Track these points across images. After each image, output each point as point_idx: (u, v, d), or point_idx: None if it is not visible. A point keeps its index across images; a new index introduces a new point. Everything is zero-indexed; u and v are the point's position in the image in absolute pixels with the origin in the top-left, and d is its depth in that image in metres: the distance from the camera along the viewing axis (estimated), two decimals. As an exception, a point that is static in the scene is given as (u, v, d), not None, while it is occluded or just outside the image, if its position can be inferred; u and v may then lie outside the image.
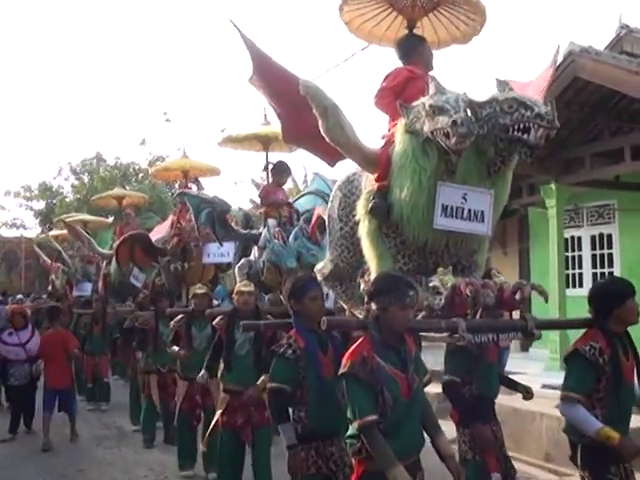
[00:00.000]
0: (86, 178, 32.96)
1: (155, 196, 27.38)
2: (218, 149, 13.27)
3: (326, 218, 5.49)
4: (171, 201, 29.21)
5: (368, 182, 4.92)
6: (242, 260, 9.32)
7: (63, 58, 61.53)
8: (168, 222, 12.81)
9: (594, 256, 13.76)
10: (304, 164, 11.25)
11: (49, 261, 20.78)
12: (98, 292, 14.29)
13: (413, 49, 5.18)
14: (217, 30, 61.92)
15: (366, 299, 4.12)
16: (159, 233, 12.53)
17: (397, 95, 4.86)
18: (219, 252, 10.49)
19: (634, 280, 4.69)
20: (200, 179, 12.67)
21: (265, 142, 10.09)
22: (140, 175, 31.56)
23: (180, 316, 8.39)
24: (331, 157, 5.24)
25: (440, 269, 4.46)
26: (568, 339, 10.58)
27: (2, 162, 60.57)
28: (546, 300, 4.53)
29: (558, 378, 9.78)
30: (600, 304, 4.49)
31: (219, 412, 6.87)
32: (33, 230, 33.50)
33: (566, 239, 13.18)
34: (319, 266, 5.68)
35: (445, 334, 4.26)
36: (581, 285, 13.71)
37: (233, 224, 10.24)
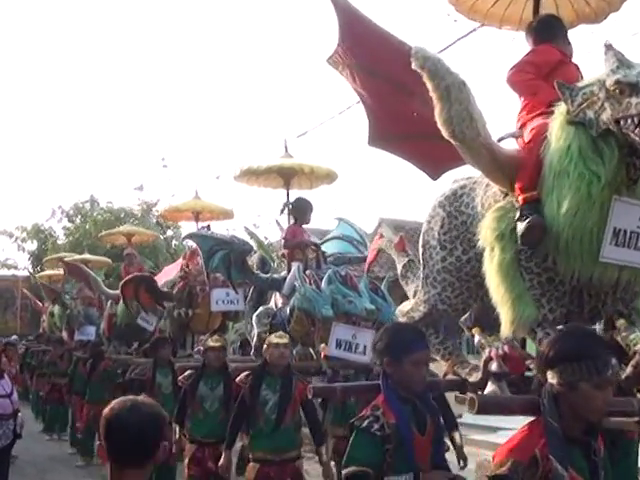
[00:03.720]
0: (79, 221, 31.31)
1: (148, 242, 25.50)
2: (212, 196, 11.72)
3: (420, 246, 3.88)
4: (164, 246, 27.87)
5: (490, 196, 3.51)
6: (260, 308, 7.79)
7: (61, 101, 59.75)
8: (178, 264, 11.33)
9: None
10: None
11: (40, 303, 19.49)
12: (103, 334, 12.76)
13: (560, 33, 3.74)
14: (215, 74, 60.57)
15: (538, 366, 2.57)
16: (168, 275, 11.06)
17: (542, 76, 3.50)
18: (228, 299, 8.97)
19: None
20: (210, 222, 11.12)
21: (287, 177, 8.49)
22: (132, 220, 29.77)
23: (189, 372, 6.90)
24: (436, 165, 3.80)
25: (621, 322, 2.92)
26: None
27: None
28: None
29: None
30: None
31: None
32: (25, 271, 31.60)
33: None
34: (405, 307, 4.09)
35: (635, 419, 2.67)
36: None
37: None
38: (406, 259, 4.35)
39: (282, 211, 8.24)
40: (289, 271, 7.66)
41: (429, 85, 3.04)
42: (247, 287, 8.65)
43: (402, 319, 4.00)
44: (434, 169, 3.86)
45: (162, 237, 27.98)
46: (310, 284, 7.03)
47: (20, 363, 15.79)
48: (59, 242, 30.28)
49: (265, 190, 9.19)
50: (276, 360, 5.74)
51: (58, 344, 14.09)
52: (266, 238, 18.09)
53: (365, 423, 3.17)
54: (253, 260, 8.83)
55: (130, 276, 10.75)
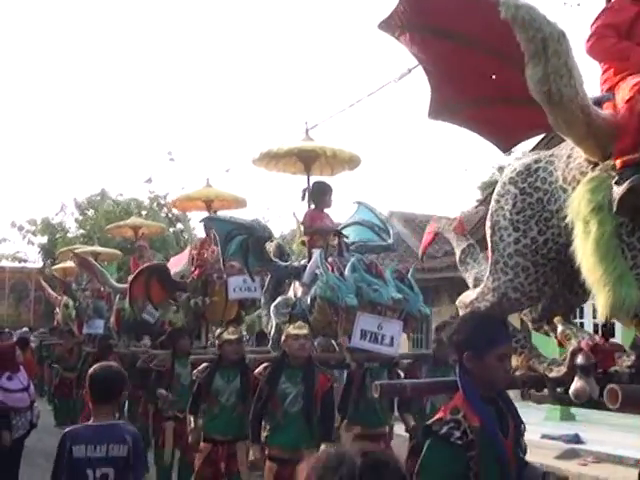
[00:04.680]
0: (90, 214, 30.65)
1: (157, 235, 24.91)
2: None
3: (487, 228, 3.31)
4: (173, 239, 27.25)
5: (573, 169, 2.94)
6: (279, 298, 7.12)
7: (71, 96, 59.40)
8: (185, 254, 10.88)
9: (594, 306, 12.35)
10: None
11: (54, 294, 18.63)
12: (111, 329, 12.19)
13: None
14: (223, 67, 59.75)
15: None
16: (175, 266, 10.55)
17: (622, 35, 2.99)
18: (245, 286, 8.51)
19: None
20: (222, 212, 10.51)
21: (307, 161, 7.71)
22: (143, 212, 29.11)
23: (204, 365, 6.38)
24: (509, 134, 3.24)
25: None
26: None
27: (9, 195, 58.42)
28: None
29: (558, 428, 8.83)
30: None
31: None
32: (35, 264, 31.00)
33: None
34: (467, 297, 3.48)
35: None
36: (582, 335, 12.41)
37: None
38: (465, 243, 3.76)
39: (303, 197, 7.48)
40: (309, 259, 7.04)
41: (521, 37, 2.49)
42: (264, 276, 8.11)
43: (464, 311, 3.43)
44: (507, 139, 3.29)
45: (171, 230, 27.41)
46: (333, 272, 6.35)
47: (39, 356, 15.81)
48: (69, 235, 29.72)
49: (274, 183, 8.66)
50: (296, 352, 5.33)
51: (69, 337, 13.49)
52: (282, 233, 17.51)
53: (444, 429, 2.61)
54: (270, 248, 8.20)
55: (140, 268, 10.06)
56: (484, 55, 2.76)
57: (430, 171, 44.47)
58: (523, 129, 3.14)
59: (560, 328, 3.04)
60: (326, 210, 7.32)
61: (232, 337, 6.18)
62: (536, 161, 3.14)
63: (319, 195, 7.29)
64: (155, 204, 30.06)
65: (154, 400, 8.01)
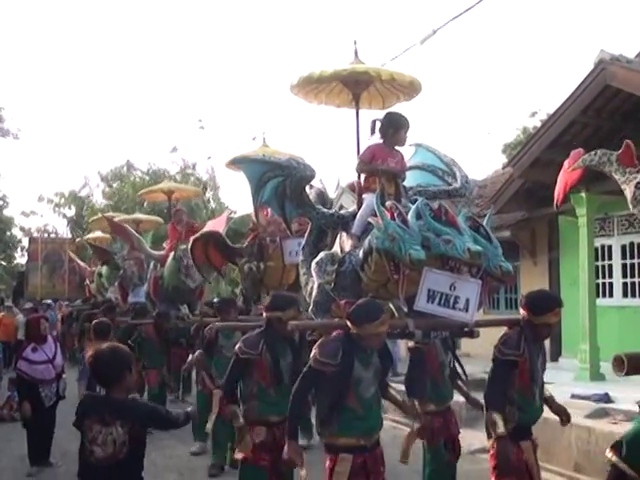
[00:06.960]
0: (117, 185, 30.39)
1: (185, 203, 24.04)
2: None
3: None
4: (202, 207, 26.70)
5: None
6: (321, 254, 5.74)
7: (98, 68, 59.44)
8: (222, 219, 11.04)
9: (624, 265, 12.45)
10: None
11: (84, 265, 18.84)
12: (150, 297, 12.17)
13: None
14: (254, 36, 58.63)
15: None
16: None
17: None
18: (300, 249, 7.50)
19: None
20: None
21: (357, 88, 6.19)
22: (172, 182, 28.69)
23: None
24: None
25: None
26: (597, 349, 10.79)
27: (35, 168, 61.11)
28: None
29: (588, 388, 9.39)
30: None
31: None
32: (64, 236, 31.13)
33: (596, 248, 12.34)
34: None
35: None
36: (611, 295, 12.48)
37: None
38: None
39: (372, 131, 5.97)
40: (359, 206, 5.77)
41: None
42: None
43: None
44: None
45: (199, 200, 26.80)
46: (393, 219, 4.93)
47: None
48: (97, 206, 29.48)
49: (299, 149, 7.21)
50: (372, 347, 4.56)
51: (113, 313, 12.96)
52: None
53: None
54: (311, 195, 6.77)
55: (196, 235, 9.81)
56: None
57: (453, 135, 42.81)
58: None
59: None
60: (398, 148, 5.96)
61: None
62: None
63: (392, 128, 5.83)
64: (183, 174, 29.80)
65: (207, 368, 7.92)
